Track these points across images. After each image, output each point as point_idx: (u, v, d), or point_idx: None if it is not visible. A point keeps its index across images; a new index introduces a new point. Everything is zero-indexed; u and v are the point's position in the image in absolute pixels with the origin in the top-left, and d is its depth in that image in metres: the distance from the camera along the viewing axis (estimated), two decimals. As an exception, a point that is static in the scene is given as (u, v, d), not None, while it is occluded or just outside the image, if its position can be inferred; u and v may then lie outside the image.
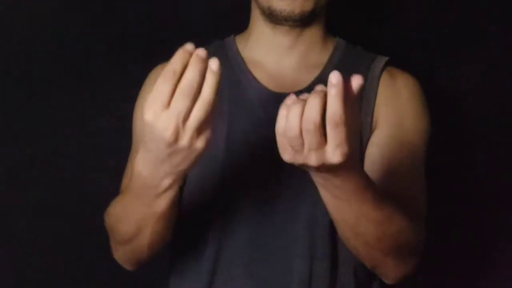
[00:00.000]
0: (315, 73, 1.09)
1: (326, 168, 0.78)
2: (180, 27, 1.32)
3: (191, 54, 0.76)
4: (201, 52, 0.75)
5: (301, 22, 1.06)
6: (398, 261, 0.98)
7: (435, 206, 1.11)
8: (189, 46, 0.76)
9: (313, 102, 0.72)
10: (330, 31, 1.14)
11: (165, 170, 0.82)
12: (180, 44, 1.16)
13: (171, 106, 0.75)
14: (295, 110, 0.74)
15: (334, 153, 0.74)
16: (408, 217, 0.96)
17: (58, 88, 1.31)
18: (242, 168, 1.04)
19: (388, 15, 1.37)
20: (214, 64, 0.76)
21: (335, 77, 0.71)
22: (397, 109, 1.08)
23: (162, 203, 0.88)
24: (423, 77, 1.14)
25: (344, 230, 0.93)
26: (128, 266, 1.06)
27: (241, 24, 1.16)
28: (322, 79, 1.09)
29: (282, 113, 0.76)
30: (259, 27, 1.11)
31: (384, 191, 1.00)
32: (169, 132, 0.75)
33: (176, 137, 0.76)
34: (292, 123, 0.74)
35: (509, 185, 1.39)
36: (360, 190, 0.85)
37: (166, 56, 1.15)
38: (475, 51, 1.36)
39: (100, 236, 1.10)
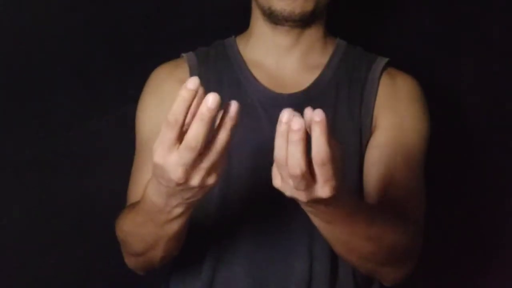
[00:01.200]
0: (316, 73, 1.09)
1: (315, 202, 0.77)
2: (180, 27, 1.32)
3: (194, 92, 0.70)
4: (212, 102, 0.69)
5: (301, 22, 1.06)
6: (395, 268, 0.99)
7: (435, 206, 1.11)
8: (191, 84, 0.70)
9: (294, 150, 0.71)
10: (330, 31, 1.14)
11: (177, 201, 0.82)
12: (180, 44, 1.17)
13: (179, 154, 0.72)
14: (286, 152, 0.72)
15: (323, 189, 0.74)
16: (403, 224, 0.96)
17: (58, 88, 1.31)
18: (242, 168, 1.04)
19: (388, 15, 1.37)
20: (233, 108, 0.73)
21: (319, 115, 0.69)
22: (397, 110, 1.08)
23: (174, 227, 0.88)
24: (423, 77, 1.14)
25: (337, 247, 0.93)
26: (139, 273, 1.06)
27: (242, 25, 1.16)
28: (322, 80, 1.09)
29: (279, 141, 0.73)
30: (259, 27, 1.11)
31: (381, 196, 1.01)
32: (178, 175, 0.74)
33: (186, 179, 0.75)
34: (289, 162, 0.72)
35: (509, 185, 1.39)
36: (351, 213, 0.85)
37: (166, 56, 1.16)
38: (475, 51, 1.36)
39: (100, 236, 1.10)
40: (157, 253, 0.95)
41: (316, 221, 0.86)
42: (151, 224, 0.89)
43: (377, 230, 0.90)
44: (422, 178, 1.07)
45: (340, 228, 0.86)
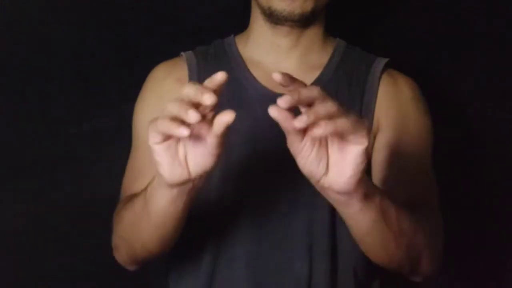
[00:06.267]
0: (315, 74, 1.09)
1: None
2: (180, 27, 1.32)
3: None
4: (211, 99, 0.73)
5: (301, 22, 1.06)
6: (433, 254, 0.99)
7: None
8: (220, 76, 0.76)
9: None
10: (330, 31, 1.14)
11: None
12: (180, 44, 1.17)
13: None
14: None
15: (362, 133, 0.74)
16: (425, 214, 0.98)
17: (58, 88, 1.31)
18: (241, 168, 1.04)
19: (388, 15, 1.37)
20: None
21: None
22: (400, 110, 1.08)
23: (151, 203, 0.88)
24: (423, 77, 1.14)
25: (389, 238, 0.90)
26: (128, 265, 1.06)
27: (241, 24, 1.16)
28: (322, 80, 1.09)
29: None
30: (259, 27, 1.11)
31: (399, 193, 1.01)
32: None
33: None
34: None
35: (510, 185, 1.39)
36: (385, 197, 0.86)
37: (166, 56, 1.16)
38: (475, 51, 1.36)
39: (99, 236, 1.10)
40: (139, 237, 0.95)
41: (366, 219, 0.85)
42: (144, 199, 0.90)
43: (407, 217, 0.91)
44: (433, 175, 1.08)
45: (374, 216, 0.85)
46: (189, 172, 0.80)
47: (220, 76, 0.75)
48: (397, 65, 1.14)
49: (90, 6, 1.30)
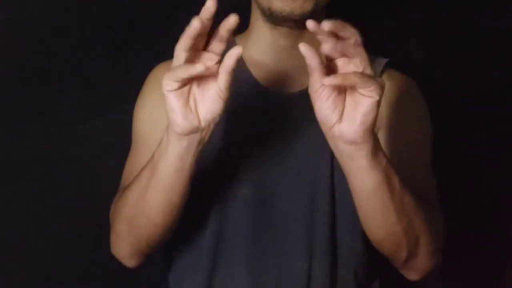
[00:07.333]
0: (315, 73, 1.09)
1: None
2: (180, 27, 1.32)
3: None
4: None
5: (301, 23, 1.06)
6: (432, 247, 0.99)
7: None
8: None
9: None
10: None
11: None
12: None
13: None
14: None
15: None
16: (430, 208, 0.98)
17: (58, 88, 1.31)
18: (239, 167, 1.04)
19: (388, 15, 1.37)
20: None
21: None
22: (399, 110, 1.08)
23: (160, 164, 0.90)
24: (423, 77, 1.14)
25: (390, 211, 0.91)
26: (128, 259, 1.05)
27: (242, 24, 1.16)
28: (322, 80, 1.09)
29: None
30: (259, 27, 1.11)
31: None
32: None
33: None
34: None
35: (510, 185, 1.39)
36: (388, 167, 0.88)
37: (166, 56, 1.16)
38: (475, 51, 1.36)
39: (99, 236, 1.10)
40: (146, 207, 0.95)
41: (373, 179, 0.86)
42: (150, 168, 0.93)
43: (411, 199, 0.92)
44: (433, 176, 1.09)
45: (392, 182, 0.88)
46: (199, 120, 0.85)
47: (233, 19, 0.85)
48: (397, 65, 1.14)
49: (90, 6, 1.30)
